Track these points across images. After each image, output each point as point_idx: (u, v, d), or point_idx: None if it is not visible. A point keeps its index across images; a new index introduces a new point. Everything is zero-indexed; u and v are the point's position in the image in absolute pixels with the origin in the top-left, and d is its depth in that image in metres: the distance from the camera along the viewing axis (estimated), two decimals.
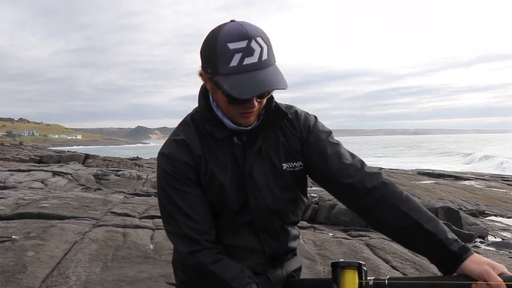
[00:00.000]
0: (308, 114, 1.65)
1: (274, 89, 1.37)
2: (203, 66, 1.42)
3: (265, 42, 1.35)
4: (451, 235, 1.38)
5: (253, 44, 1.32)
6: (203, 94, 1.53)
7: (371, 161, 41.57)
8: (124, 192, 10.76)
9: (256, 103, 1.41)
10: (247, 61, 1.31)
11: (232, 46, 1.31)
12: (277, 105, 1.56)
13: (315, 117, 1.65)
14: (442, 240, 1.37)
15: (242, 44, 1.31)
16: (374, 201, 1.46)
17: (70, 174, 13.66)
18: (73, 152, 29.28)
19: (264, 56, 1.33)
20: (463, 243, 1.37)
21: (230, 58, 1.31)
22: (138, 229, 5.80)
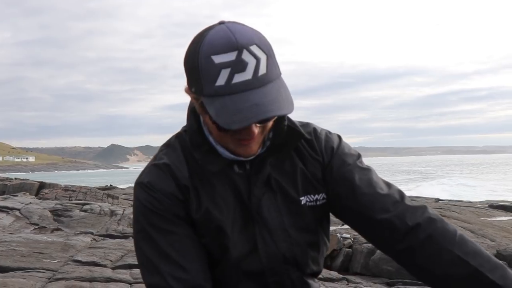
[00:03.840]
0: (330, 133, 1.68)
1: (274, 116, 1.36)
2: (187, 82, 1.45)
3: (263, 51, 1.35)
4: None
5: (245, 56, 1.32)
6: (193, 111, 1.55)
7: (424, 191, 41.28)
8: (92, 233, 10.73)
9: (255, 130, 1.41)
10: (238, 78, 1.32)
11: (217, 59, 1.32)
12: (291, 126, 1.56)
13: (339, 137, 1.68)
14: None
15: (231, 56, 1.31)
16: (417, 243, 1.47)
17: (18, 209, 13.64)
18: (23, 179, 29.34)
19: (261, 71, 1.34)
20: None
21: (216, 75, 1.33)
22: (111, 283, 5.78)
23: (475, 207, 17.65)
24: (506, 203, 18.81)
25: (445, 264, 1.43)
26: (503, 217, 14.85)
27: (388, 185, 1.59)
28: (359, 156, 1.64)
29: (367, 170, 1.60)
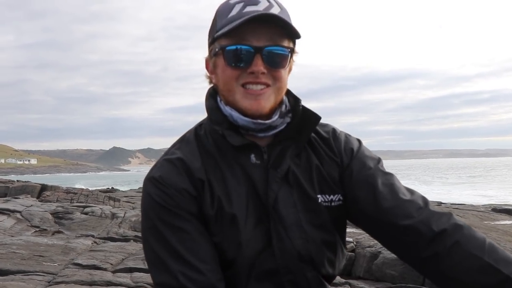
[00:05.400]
0: (350, 135, 1.68)
1: (274, 17, 1.43)
2: (208, 46, 1.57)
3: (277, 3, 1.47)
4: None
5: None
6: (211, 94, 1.59)
7: (425, 193, 41.27)
8: (92, 236, 10.74)
9: (260, 66, 1.45)
10: (249, 9, 1.45)
11: (233, 0, 1.49)
12: (306, 108, 1.58)
13: (359, 141, 1.67)
14: None
15: None
16: (444, 250, 1.42)
17: (20, 212, 13.66)
18: (25, 182, 29.36)
19: (274, 11, 1.44)
20: None
21: (229, 9, 1.48)
22: (111, 287, 5.74)
23: (478, 211, 17.61)
24: (510, 207, 18.76)
25: (474, 272, 1.38)
26: (507, 221, 14.79)
27: (411, 191, 1.55)
28: (379, 160, 1.62)
29: (390, 175, 1.57)
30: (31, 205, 15.00)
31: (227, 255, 1.49)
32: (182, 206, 1.47)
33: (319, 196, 1.55)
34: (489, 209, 18.36)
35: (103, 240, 10.00)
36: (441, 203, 22.78)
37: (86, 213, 14.33)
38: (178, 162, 1.51)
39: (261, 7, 1.44)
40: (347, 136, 1.65)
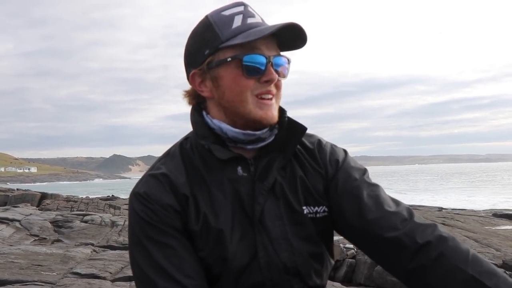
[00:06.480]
0: (336, 146, 1.67)
1: (297, 27, 1.44)
2: (192, 63, 1.54)
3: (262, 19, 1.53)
4: None
5: (251, 10, 1.49)
6: (196, 109, 1.58)
7: (426, 199, 41.26)
8: (92, 245, 10.72)
9: (275, 75, 1.46)
10: (251, 20, 1.47)
11: (228, 12, 1.49)
12: (291, 119, 1.58)
13: (345, 151, 1.67)
14: None
15: (239, 8, 1.49)
16: (428, 262, 1.42)
17: (19, 220, 13.62)
18: (25, 190, 29.50)
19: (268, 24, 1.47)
20: None
21: (231, 21, 1.47)
22: None
23: (479, 216, 17.58)
24: (510, 212, 18.71)
25: (458, 284, 1.37)
26: (508, 226, 14.76)
27: (396, 202, 1.54)
28: (365, 171, 1.61)
29: (375, 186, 1.56)
30: (31, 214, 14.98)
31: (213, 270, 1.48)
32: (167, 221, 1.46)
33: (304, 207, 1.54)
34: (490, 214, 18.33)
35: (103, 249, 9.99)
36: (441, 208, 22.78)
37: (85, 222, 14.30)
38: (163, 177, 1.50)
39: (258, 18, 1.49)
40: (333, 147, 1.64)
